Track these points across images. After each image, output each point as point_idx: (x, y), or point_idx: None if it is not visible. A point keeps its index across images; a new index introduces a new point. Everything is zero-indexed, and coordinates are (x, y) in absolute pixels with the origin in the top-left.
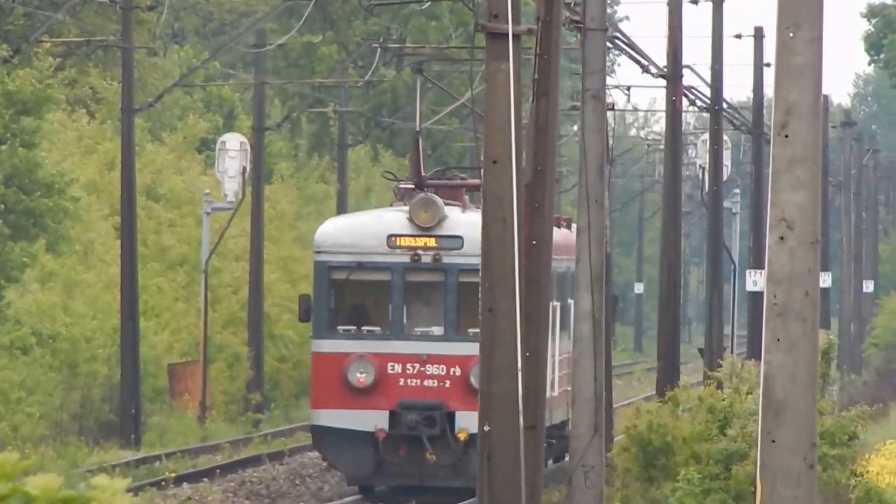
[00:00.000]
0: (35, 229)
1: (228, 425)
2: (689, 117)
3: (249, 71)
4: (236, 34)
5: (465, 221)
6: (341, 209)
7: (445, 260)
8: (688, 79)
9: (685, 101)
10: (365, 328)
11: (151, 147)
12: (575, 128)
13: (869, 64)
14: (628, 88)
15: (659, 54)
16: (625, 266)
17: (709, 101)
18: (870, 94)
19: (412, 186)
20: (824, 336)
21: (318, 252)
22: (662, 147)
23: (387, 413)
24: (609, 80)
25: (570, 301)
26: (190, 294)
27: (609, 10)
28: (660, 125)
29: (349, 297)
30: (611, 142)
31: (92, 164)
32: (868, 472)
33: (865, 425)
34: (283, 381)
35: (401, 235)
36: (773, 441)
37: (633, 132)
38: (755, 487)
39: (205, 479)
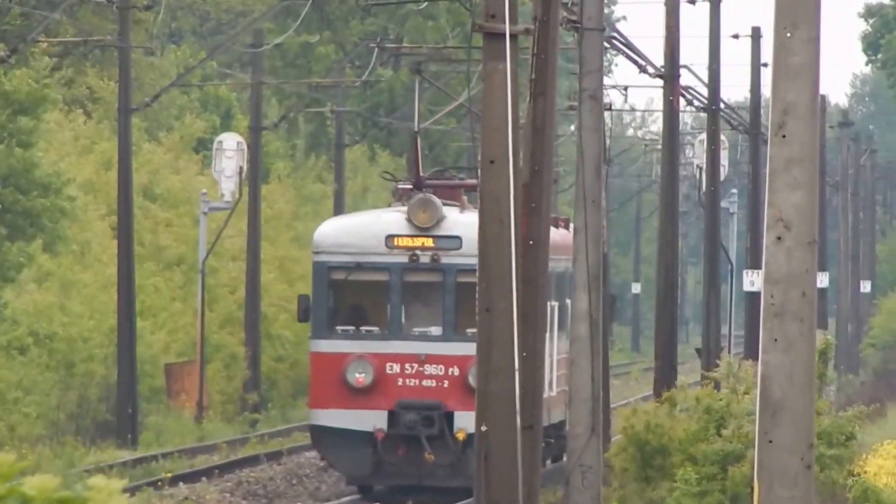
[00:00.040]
0: (32, 229)
1: (225, 425)
2: (687, 117)
3: (246, 71)
4: (233, 34)
5: (463, 222)
6: (338, 209)
7: (444, 260)
8: (685, 79)
9: (682, 101)
10: (364, 328)
11: (148, 147)
12: (572, 128)
13: (866, 64)
14: (625, 88)
15: (656, 54)
16: (622, 266)
17: (706, 101)
18: (867, 95)
19: (410, 187)
20: (822, 336)
21: (317, 252)
22: (660, 147)
23: (385, 413)
24: (606, 80)
25: (569, 301)
26: (187, 294)
27: (606, 10)
28: (657, 125)
29: (348, 297)
30: (608, 142)
31: (89, 164)
32: (865, 472)
33: (863, 425)
34: (280, 381)
35: (399, 236)
36: (771, 441)
37: (630, 132)
38: (752, 488)
39: (202, 479)
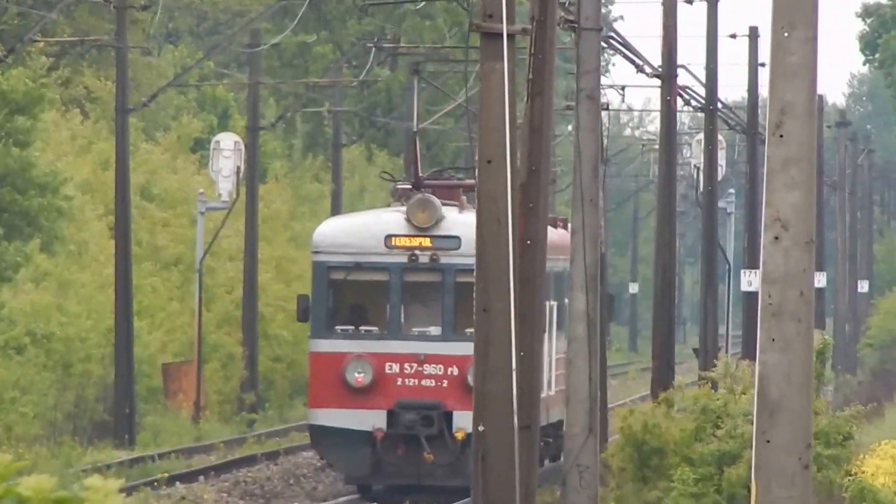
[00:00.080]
0: (29, 229)
1: (222, 425)
2: (684, 117)
3: (244, 70)
4: (230, 34)
5: (462, 221)
6: (335, 209)
7: (443, 260)
8: (682, 78)
9: (680, 101)
10: (363, 328)
11: (146, 147)
12: (569, 128)
13: (864, 64)
14: (623, 88)
15: (654, 54)
16: (619, 266)
17: (703, 101)
18: (864, 94)
19: (409, 187)
20: (819, 336)
21: (317, 252)
22: (657, 147)
23: (384, 413)
24: (604, 80)
25: (567, 301)
26: (184, 294)
27: (603, 10)
28: (654, 125)
29: (347, 297)
30: (605, 142)
31: (86, 164)
32: (863, 472)
33: (860, 425)
34: (278, 381)
35: (398, 236)
36: (768, 441)
37: (627, 132)
38: (749, 488)
39: (199, 479)
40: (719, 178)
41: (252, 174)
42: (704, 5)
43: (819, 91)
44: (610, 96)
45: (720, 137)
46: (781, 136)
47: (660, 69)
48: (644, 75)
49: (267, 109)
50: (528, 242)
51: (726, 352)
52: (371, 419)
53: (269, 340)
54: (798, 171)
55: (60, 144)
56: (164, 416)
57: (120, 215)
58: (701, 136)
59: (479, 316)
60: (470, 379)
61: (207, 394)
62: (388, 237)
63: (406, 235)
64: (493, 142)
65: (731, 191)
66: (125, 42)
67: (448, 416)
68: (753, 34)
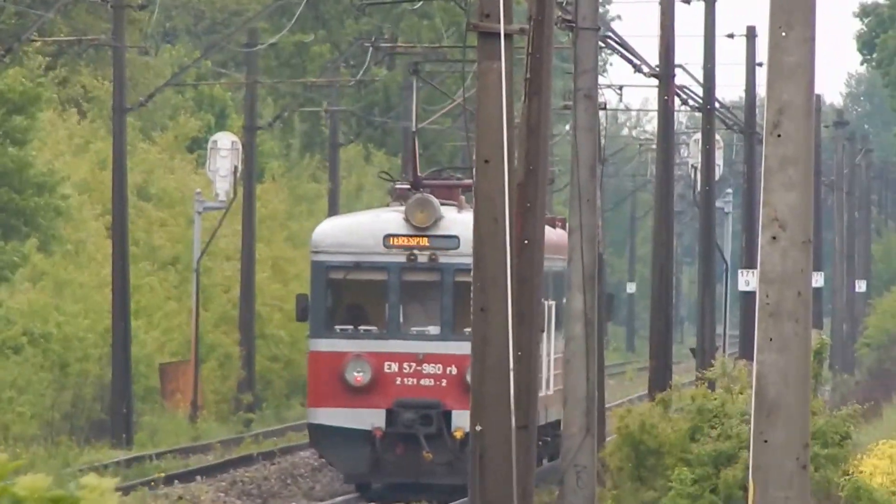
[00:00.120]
0: (26, 228)
1: (220, 425)
2: (682, 117)
3: (241, 70)
4: (228, 33)
5: (461, 221)
6: (333, 209)
7: (442, 259)
8: (680, 78)
9: (677, 101)
10: (362, 327)
11: (143, 146)
12: (567, 127)
13: (861, 63)
14: (620, 88)
15: (651, 54)
16: (617, 266)
17: (701, 101)
18: (862, 94)
19: (408, 187)
20: (817, 336)
21: (316, 252)
22: (654, 146)
23: (384, 412)
24: (601, 80)
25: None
26: (181, 293)
27: (601, 10)
28: (652, 125)
29: (346, 296)
30: (603, 141)
31: (83, 164)
32: (861, 472)
33: (858, 425)
34: (275, 381)
35: (397, 235)
36: (766, 441)
37: (625, 132)
38: (746, 488)
39: (196, 479)
40: (717, 177)
41: (249, 174)
42: (702, 5)
43: (817, 91)
44: (607, 96)
45: (718, 137)
46: (779, 135)
47: (657, 69)
48: (641, 75)
49: (264, 109)
50: (526, 242)
51: (724, 352)
52: (370, 418)
53: (267, 340)
54: (795, 171)
55: (57, 144)
56: (161, 416)
57: (117, 215)
58: (698, 135)
59: (477, 315)
60: (469, 378)
61: (204, 393)
62: (387, 237)
63: (405, 235)
64: (491, 141)
65: (729, 190)
66: (122, 41)
67: (447, 416)
68: (751, 34)
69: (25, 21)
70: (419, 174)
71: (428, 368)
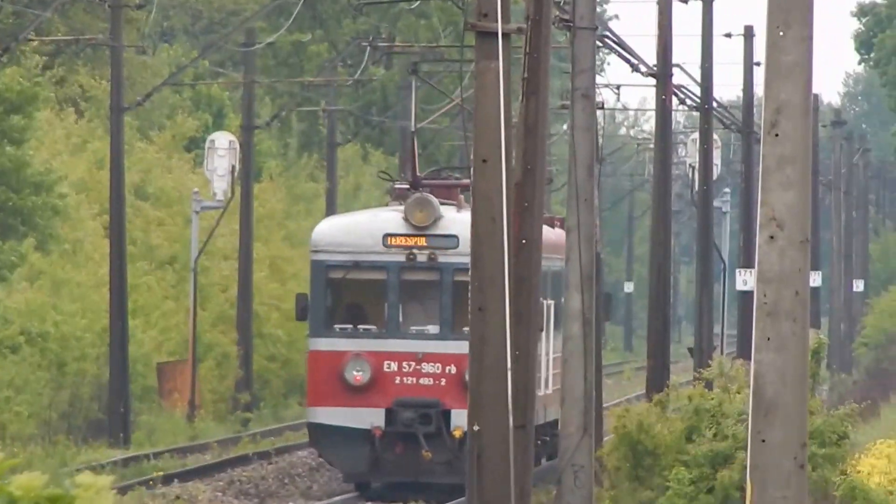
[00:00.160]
0: (24, 228)
1: (217, 424)
2: (679, 116)
3: (239, 69)
4: (225, 33)
5: (460, 221)
6: (330, 208)
7: (441, 259)
8: (677, 78)
9: (675, 100)
10: (361, 327)
11: (140, 146)
12: (565, 127)
13: (859, 63)
14: (618, 87)
15: (649, 53)
16: (614, 265)
17: (699, 100)
18: (860, 93)
19: (407, 186)
20: (814, 335)
21: (315, 251)
22: (652, 146)
23: (383, 411)
24: (599, 79)
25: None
26: (179, 293)
27: (598, 9)
28: (649, 124)
29: (346, 295)
30: (600, 141)
31: (81, 163)
32: (858, 471)
33: (855, 425)
34: (272, 381)
35: (396, 235)
36: (763, 441)
37: (622, 131)
38: (744, 489)
39: (194, 479)
40: (714, 177)
41: (247, 173)
42: (699, 4)
43: (814, 90)
44: (605, 95)
45: (715, 136)
46: (777, 135)
47: (655, 68)
48: (639, 74)
49: (262, 108)
50: (524, 241)
51: (721, 351)
52: (369, 417)
53: (264, 339)
54: (793, 171)
55: (55, 143)
56: (158, 416)
57: (115, 214)
58: (696, 135)
59: (475, 315)
60: (468, 377)
61: (202, 393)
62: (386, 236)
63: (404, 234)
64: (489, 141)
65: (727, 190)
66: (120, 41)
67: (446, 415)
68: (749, 33)
69: (23, 20)
70: (418, 174)
71: (427, 368)
